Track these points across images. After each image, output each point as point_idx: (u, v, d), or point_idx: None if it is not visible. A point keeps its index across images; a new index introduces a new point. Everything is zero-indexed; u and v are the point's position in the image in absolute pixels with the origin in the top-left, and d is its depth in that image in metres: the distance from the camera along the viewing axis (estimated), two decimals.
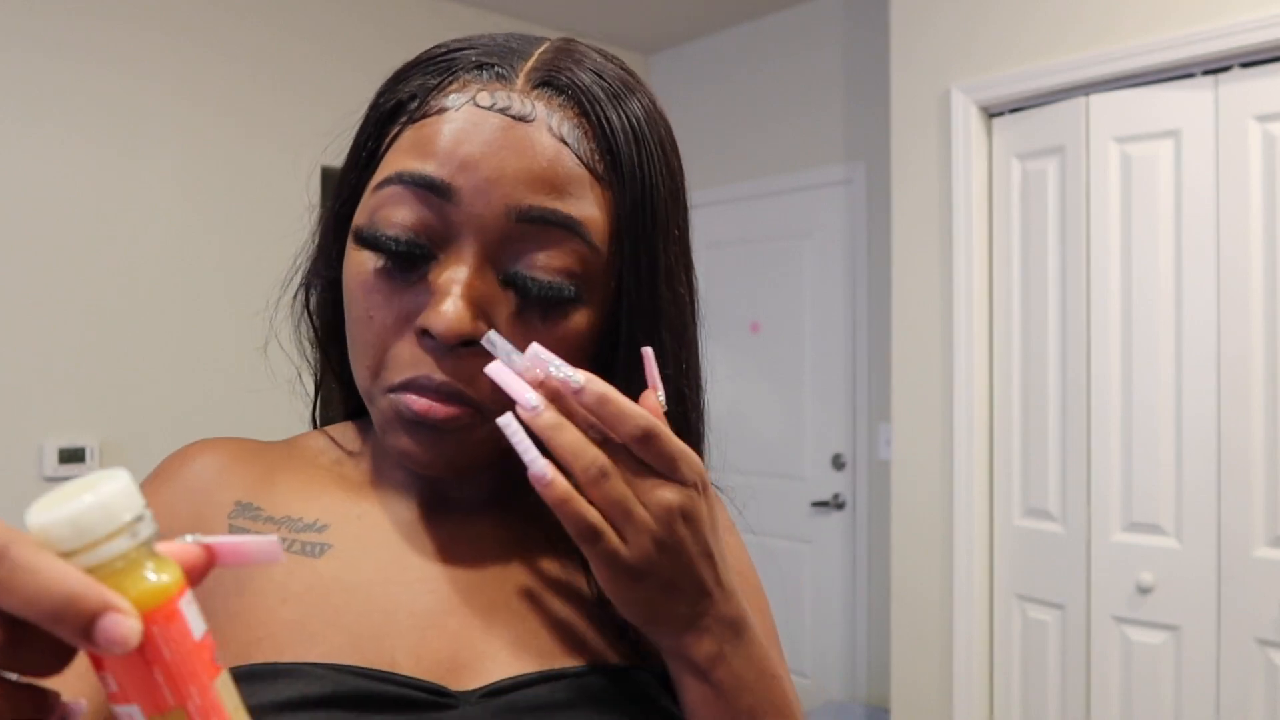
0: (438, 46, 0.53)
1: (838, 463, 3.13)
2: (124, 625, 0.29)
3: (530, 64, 0.51)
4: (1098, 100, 2.13)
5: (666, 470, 0.46)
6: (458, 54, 0.52)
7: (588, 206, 0.49)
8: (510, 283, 0.49)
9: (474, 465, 0.53)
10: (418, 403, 0.49)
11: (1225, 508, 1.95)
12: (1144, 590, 2.04)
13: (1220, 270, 1.96)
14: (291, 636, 0.49)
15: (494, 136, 0.48)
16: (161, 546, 0.33)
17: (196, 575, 0.33)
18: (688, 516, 0.47)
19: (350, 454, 0.60)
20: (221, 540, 0.34)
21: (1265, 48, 1.90)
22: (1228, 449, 1.94)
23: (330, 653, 0.48)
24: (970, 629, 2.31)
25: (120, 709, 0.31)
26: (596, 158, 0.50)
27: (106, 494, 0.31)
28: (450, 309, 0.47)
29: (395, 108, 0.52)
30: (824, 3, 3.18)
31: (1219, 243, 1.97)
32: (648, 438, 0.45)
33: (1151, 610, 2.04)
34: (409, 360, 0.49)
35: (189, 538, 0.34)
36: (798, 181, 3.25)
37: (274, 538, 0.35)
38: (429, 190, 0.48)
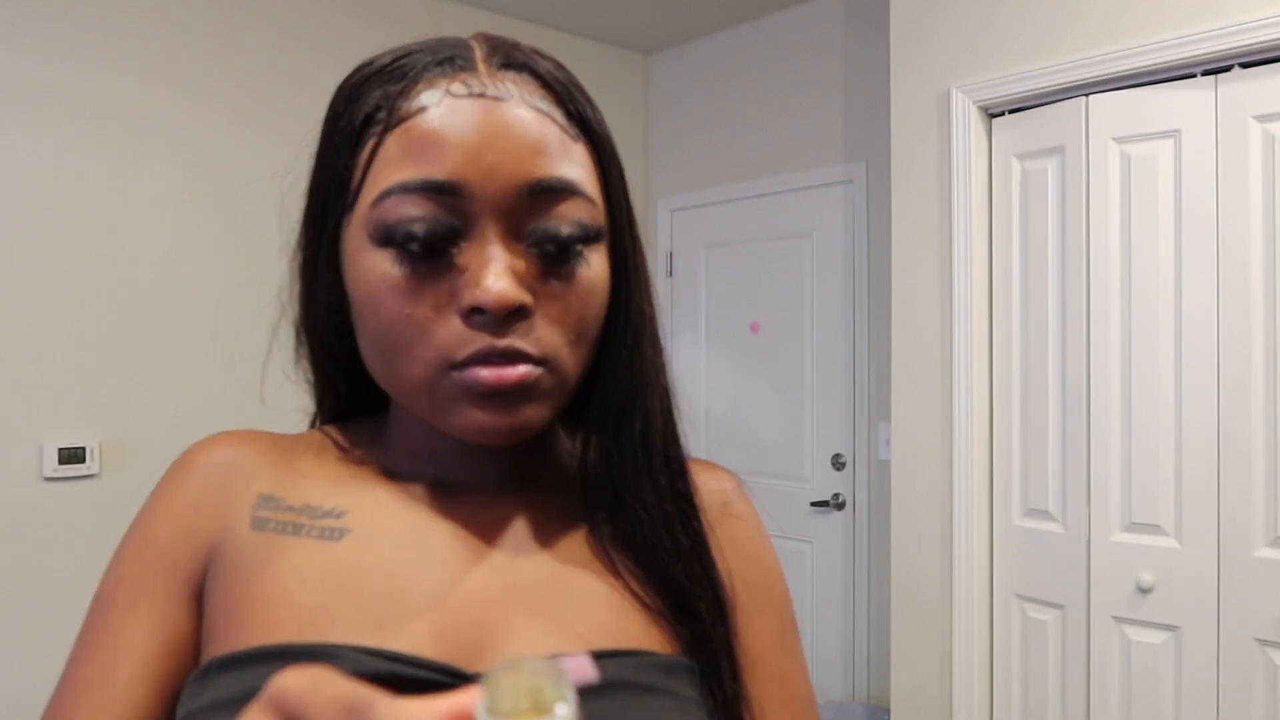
0: (377, 59, 0.54)
1: (838, 463, 3.13)
2: None
3: (480, 53, 0.54)
4: (1097, 100, 2.13)
5: None
6: (405, 59, 0.53)
7: (579, 167, 0.53)
8: (535, 244, 0.51)
9: (542, 422, 0.53)
10: (488, 375, 0.50)
11: (1225, 508, 1.95)
12: (1144, 590, 2.04)
13: (1220, 270, 1.96)
14: (311, 618, 0.50)
15: (483, 121, 0.50)
16: None
17: None
18: None
19: (359, 448, 0.61)
20: None
21: (1265, 48, 1.90)
22: (1228, 449, 1.94)
23: (350, 633, 0.49)
24: (970, 629, 2.31)
25: None
26: (569, 121, 0.54)
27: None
28: (496, 283, 0.49)
29: (363, 122, 0.52)
30: (824, 3, 3.18)
31: (1219, 243, 1.97)
32: None
33: (1151, 610, 2.04)
34: (465, 338, 0.50)
35: None
36: (798, 181, 3.25)
37: None
38: (438, 192, 0.50)
